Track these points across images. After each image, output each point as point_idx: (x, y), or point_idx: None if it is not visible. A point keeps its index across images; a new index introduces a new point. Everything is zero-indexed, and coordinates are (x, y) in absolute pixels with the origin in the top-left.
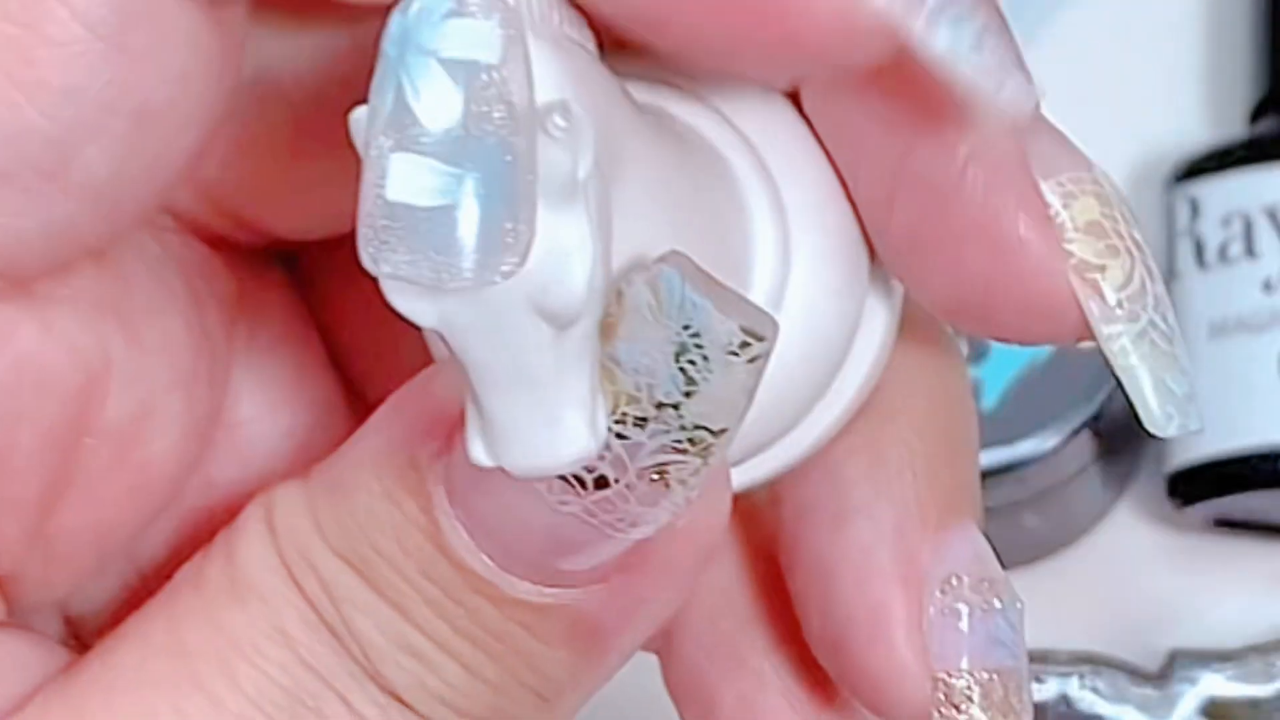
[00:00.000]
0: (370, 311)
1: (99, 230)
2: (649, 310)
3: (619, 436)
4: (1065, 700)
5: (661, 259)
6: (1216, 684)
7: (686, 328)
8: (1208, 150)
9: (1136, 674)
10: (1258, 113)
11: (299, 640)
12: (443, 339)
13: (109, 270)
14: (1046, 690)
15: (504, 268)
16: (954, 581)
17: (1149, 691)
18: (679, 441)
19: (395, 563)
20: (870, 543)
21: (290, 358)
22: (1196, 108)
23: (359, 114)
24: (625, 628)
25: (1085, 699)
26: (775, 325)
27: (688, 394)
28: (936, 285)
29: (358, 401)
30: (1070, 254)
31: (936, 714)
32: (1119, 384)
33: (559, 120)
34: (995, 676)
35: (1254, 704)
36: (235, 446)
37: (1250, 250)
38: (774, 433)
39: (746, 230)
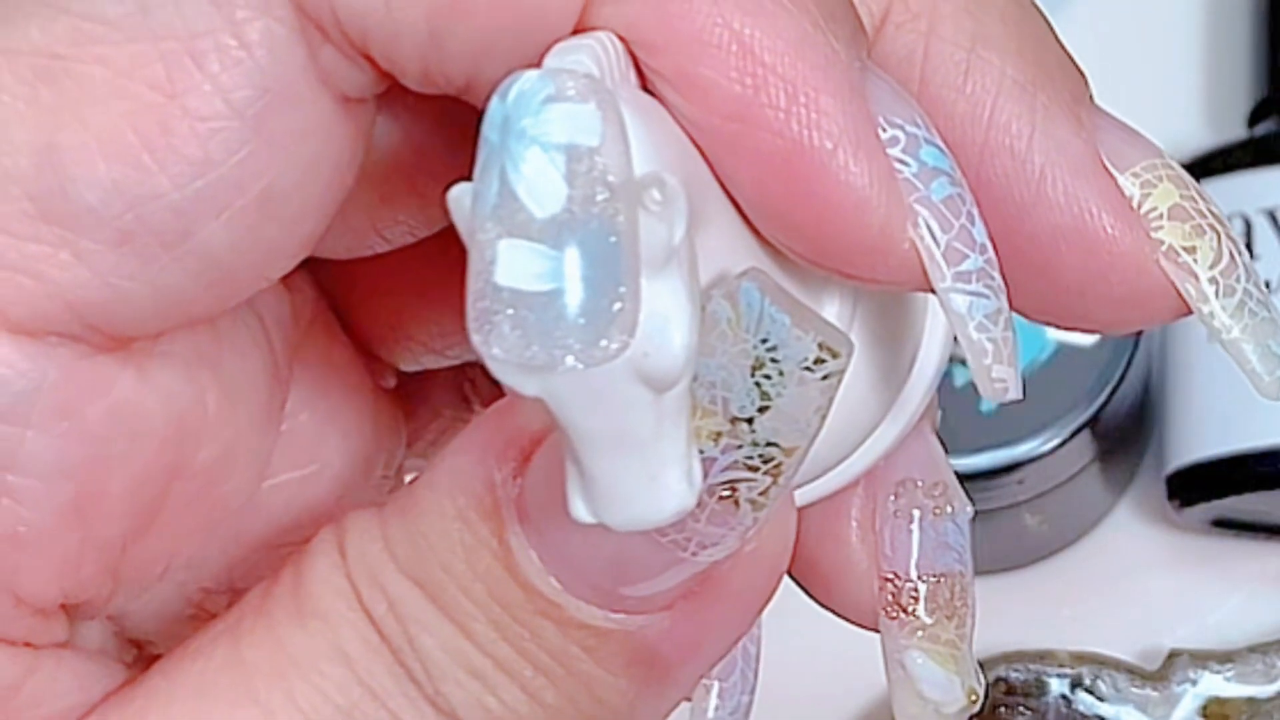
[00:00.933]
0: (399, 314)
1: (208, 303)
2: (728, 324)
3: None
4: (1065, 700)
5: (742, 274)
6: (1216, 684)
7: (764, 341)
8: (1207, 152)
9: (1136, 674)
10: (1257, 115)
11: (357, 660)
12: (546, 404)
13: (205, 322)
14: (1047, 690)
15: (613, 346)
16: (908, 484)
17: (1149, 692)
18: (750, 458)
19: (463, 583)
20: None
21: (331, 359)
22: (1196, 110)
23: (459, 193)
24: (688, 658)
25: (1085, 699)
26: (851, 344)
27: (761, 409)
28: (1031, 292)
29: (390, 400)
30: (1160, 241)
31: (883, 613)
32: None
33: (656, 194)
34: (942, 580)
35: (1253, 704)
36: (291, 454)
37: (1250, 252)
38: (842, 454)
39: (814, 273)
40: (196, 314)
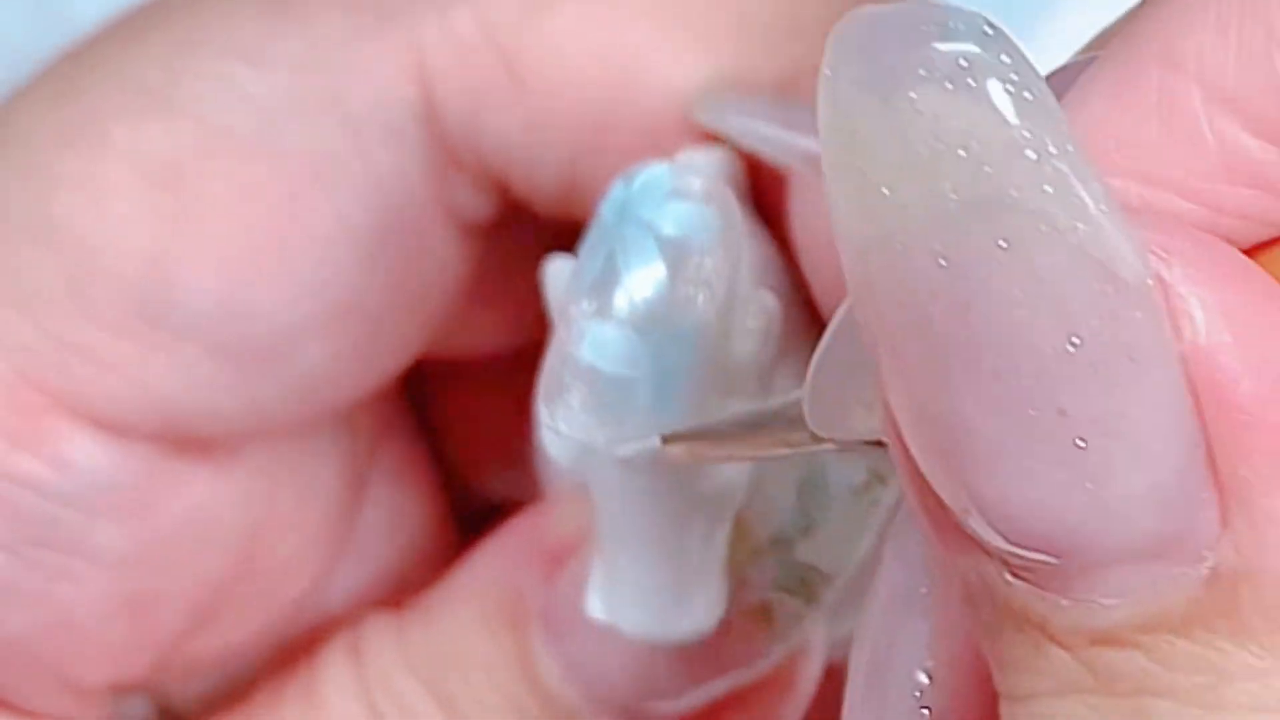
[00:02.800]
0: (484, 422)
1: (297, 417)
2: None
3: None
4: None
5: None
6: None
7: (811, 461)
8: None
9: None
10: None
11: None
12: (592, 494)
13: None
14: None
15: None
16: None
17: None
18: (787, 580)
19: (479, 691)
20: None
21: (403, 457)
22: None
23: (557, 267)
24: None
25: None
26: None
27: (804, 530)
28: None
29: (460, 502)
30: None
31: None
32: None
33: (754, 313)
34: None
35: None
36: (356, 552)
37: None
38: None
39: None
40: (283, 426)
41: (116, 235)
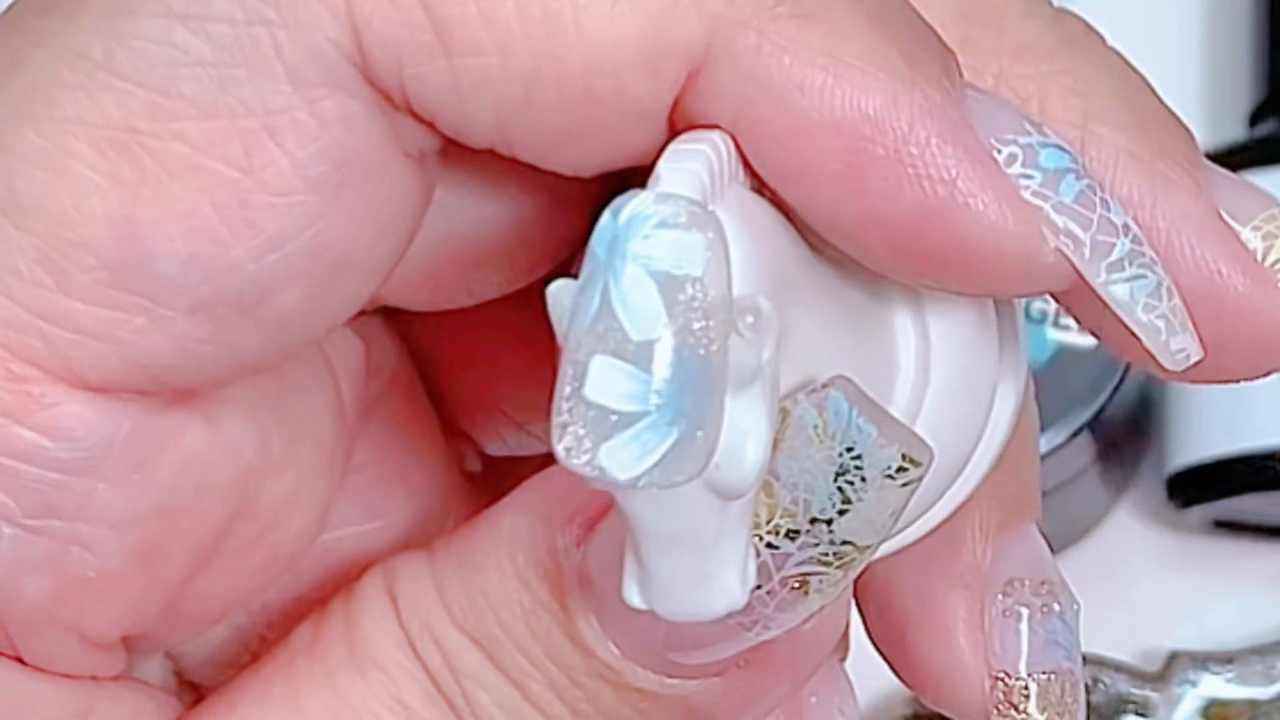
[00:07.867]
0: (476, 363)
1: (273, 356)
2: (814, 431)
3: (769, 546)
4: None
5: (829, 383)
6: (1217, 686)
7: (849, 450)
8: (1207, 153)
9: (1136, 675)
10: (1257, 116)
11: (417, 712)
12: (613, 498)
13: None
14: None
15: (685, 476)
16: (1015, 584)
17: (1149, 693)
18: (825, 555)
19: (521, 643)
20: (932, 545)
21: (408, 419)
22: (1196, 111)
23: (559, 290)
24: (736, 718)
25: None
26: (932, 453)
27: (841, 511)
28: None
29: (457, 447)
30: None
31: (995, 712)
32: None
33: (749, 319)
34: (1052, 677)
35: (1254, 706)
36: (356, 507)
37: None
38: (908, 521)
39: (891, 341)
40: (262, 365)
41: (81, 206)
